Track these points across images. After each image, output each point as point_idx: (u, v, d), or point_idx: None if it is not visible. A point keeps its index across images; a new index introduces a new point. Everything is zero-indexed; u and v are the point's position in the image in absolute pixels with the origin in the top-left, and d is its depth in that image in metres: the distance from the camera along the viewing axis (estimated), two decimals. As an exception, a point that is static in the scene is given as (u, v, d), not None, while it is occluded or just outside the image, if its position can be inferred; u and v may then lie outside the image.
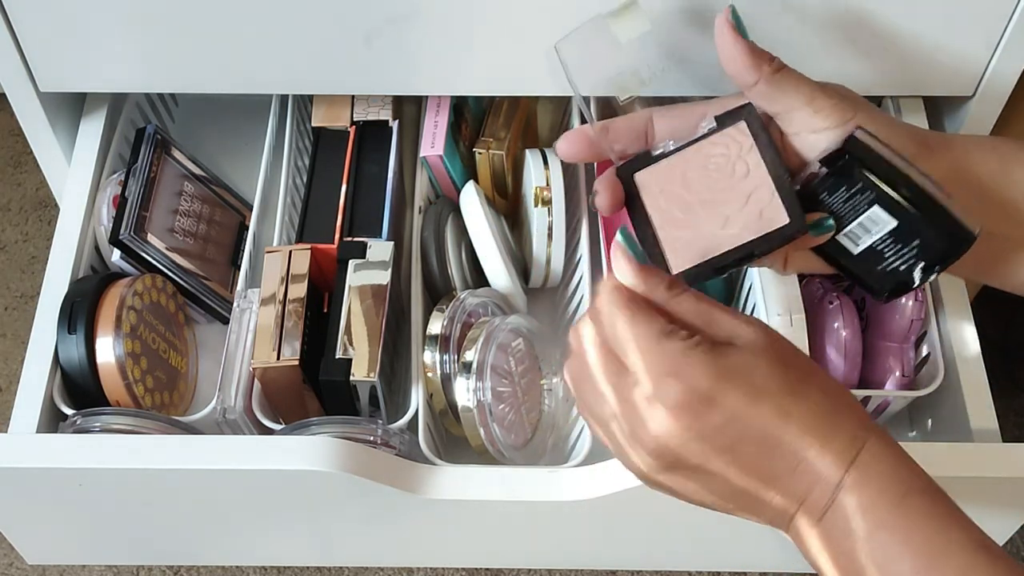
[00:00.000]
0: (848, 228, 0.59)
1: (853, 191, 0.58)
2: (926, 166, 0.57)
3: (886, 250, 0.58)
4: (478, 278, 0.84)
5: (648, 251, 0.59)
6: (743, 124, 0.60)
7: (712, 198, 0.59)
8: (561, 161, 0.84)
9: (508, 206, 0.90)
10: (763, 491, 0.50)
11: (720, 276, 0.60)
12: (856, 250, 0.59)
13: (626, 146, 0.62)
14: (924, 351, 0.80)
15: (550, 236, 0.82)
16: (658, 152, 0.61)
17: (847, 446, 0.50)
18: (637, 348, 0.51)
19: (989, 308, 0.67)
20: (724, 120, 0.60)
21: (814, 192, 0.59)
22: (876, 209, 0.57)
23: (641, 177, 0.60)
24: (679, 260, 0.59)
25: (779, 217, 0.58)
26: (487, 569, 1.00)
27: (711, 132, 0.60)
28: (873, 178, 0.57)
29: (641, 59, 0.63)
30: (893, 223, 0.57)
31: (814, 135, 0.59)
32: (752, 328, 0.52)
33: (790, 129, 0.59)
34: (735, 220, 0.58)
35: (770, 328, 0.53)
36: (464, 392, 0.75)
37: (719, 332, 0.52)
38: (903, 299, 0.77)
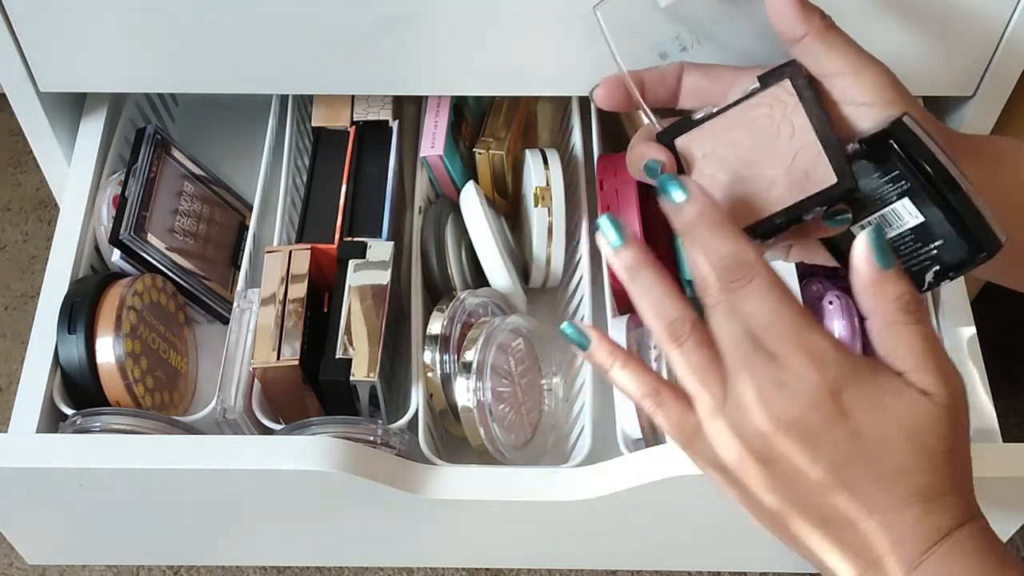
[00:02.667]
0: (868, 219, 0.56)
1: (886, 178, 0.56)
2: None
3: (902, 248, 0.56)
4: (478, 278, 0.84)
5: None
6: (787, 83, 0.57)
7: (756, 159, 0.57)
8: (561, 161, 0.84)
9: (508, 206, 0.89)
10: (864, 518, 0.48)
11: (766, 241, 0.57)
12: None
13: (656, 96, 0.60)
14: (924, 351, 0.79)
15: (550, 236, 0.82)
16: (699, 116, 0.58)
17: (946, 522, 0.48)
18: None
19: (989, 308, 0.67)
20: (767, 79, 0.58)
21: None
22: (905, 202, 0.55)
23: (682, 142, 0.58)
24: None
25: (827, 177, 0.56)
26: (487, 569, 1.00)
27: (754, 92, 0.58)
28: (912, 168, 0.55)
29: (682, 24, 0.61)
30: (918, 220, 0.55)
31: (851, 108, 0.56)
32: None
33: (828, 98, 0.57)
34: (780, 182, 0.56)
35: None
36: (464, 392, 0.75)
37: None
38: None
